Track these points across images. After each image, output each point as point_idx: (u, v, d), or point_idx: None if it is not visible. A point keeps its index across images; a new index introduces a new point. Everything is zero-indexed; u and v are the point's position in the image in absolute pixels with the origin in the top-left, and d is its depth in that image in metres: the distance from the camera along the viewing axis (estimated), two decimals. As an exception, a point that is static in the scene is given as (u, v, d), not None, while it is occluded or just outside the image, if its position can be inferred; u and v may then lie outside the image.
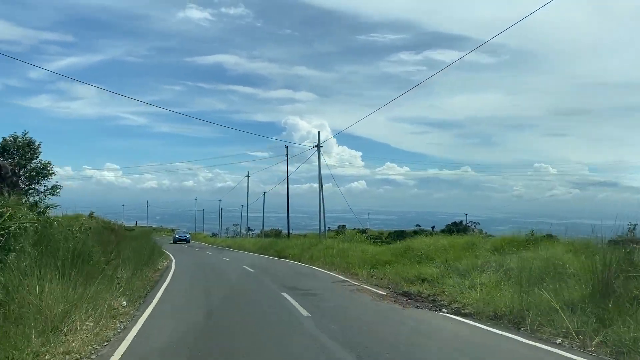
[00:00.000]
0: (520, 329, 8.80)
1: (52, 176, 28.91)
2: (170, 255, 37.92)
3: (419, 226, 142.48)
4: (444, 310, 11.06)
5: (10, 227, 9.13)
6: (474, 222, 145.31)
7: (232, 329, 9.01)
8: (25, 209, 11.65)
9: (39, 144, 28.29)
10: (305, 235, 43.46)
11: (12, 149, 27.39)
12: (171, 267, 23.93)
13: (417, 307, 11.55)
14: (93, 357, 7.09)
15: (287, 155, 44.16)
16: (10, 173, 16.44)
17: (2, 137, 27.51)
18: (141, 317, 9.94)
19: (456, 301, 11.61)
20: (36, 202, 18.06)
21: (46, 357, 6.75)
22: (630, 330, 7.20)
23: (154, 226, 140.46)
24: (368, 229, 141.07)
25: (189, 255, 36.16)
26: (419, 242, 20.47)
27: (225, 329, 9.16)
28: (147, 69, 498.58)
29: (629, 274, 8.70)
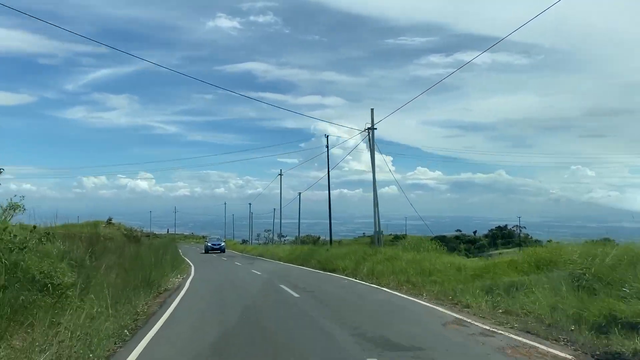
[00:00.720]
0: None
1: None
2: (192, 266, 31.73)
3: (460, 231, 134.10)
4: None
5: None
6: (519, 226, 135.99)
7: None
8: None
9: None
10: (355, 240, 36.50)
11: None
12: (184, 286, 17.53)
13: None
14: None
15: (327, 147, 37.53)
16: None
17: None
18: None
19: None
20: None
21: None
22: None
23: (185, 234, 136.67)
24: (405, 234, 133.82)
25: (212, 267, 29.79)
26: (547, 251, 13.37)
27: None
28: (179, 78, 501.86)
29: None
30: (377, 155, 27.54)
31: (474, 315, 10.53)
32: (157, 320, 10.18)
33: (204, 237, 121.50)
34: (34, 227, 11.73)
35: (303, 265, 29.25)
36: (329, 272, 23.41)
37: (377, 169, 28.06)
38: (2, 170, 11.62)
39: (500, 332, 8.75)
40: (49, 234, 12.07)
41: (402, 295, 14.08)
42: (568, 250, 12.32)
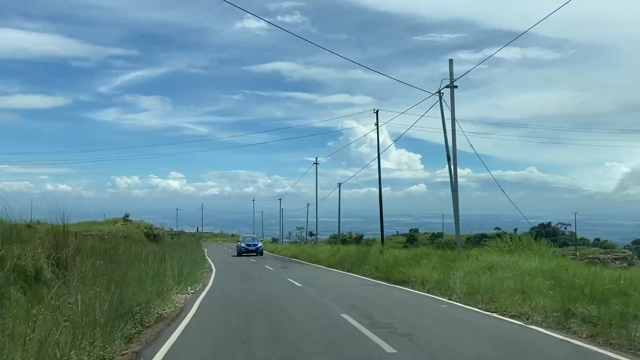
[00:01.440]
0: None
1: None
2: (212, 270, 25.65)
3: (499, 229, 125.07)
4: None
5: None
6: (564, 224, 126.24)
7: None
8: None
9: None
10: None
11: None
12: (189, 310, 11.26)
13: None
14: None
15: (377, 124, 30.84)
16: None
17: None
18: None
19: None
20: None
21: None
22: None
23: (215, 232, 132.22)
24: (442, 232, 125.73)
25: (237, 274, 23.57)
26: None
27: None
28: (208, 79, 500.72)
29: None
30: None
31: None
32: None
33: (233, 235, 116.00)
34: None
35: (352, 272, 22.72)
36: (398, 284, 16.78)
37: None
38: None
39: None
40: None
41: (568, 339, 7.41)
42: None
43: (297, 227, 79.76)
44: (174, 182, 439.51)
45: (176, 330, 8.92)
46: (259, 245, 42.57)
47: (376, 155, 30.79)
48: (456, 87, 19.98)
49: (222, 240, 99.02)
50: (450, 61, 20.15)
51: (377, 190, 30.41)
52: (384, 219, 30.84)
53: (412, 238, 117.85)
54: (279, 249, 53.24)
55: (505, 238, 18.20)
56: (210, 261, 34.65)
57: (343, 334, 8.47)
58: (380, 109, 30.16)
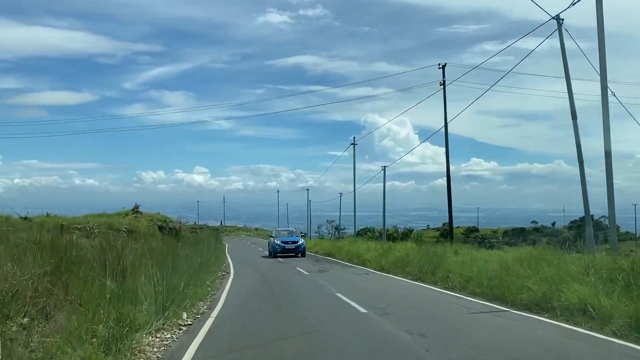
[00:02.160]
0: None
1: None
2: (229, 273, 19.58)
3: (536, 222, 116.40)
4: None
5: None
6: (605, 217, 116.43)
7: None
8: None
9: None
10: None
11: None
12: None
13: None
14: None
15: (444, 82, 24.04)
16: None
17: None
18: None
19: None
20: None
21: None
22: None
23: (238, 226, 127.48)
24: (477, 226, 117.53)
25: (258, 283, 17.34)
26: None
27: None
28: (231, 74, 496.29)
29: None
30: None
31: None
32: None
33: (256, 229, 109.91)
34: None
35: (422, 281, 16.19)
36: (508, 307, 10.14)
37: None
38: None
39: None
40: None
41: None
42: None
43: (327, 220, 72.62)
44: (198, 177, 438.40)
45: None
46: (300, 242, 32.01)
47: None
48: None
49: (246, 235, 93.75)
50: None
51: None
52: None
53: (445, 232, 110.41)
54: (309, 245, 46.71)
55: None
56: (229, 259, 28.64)
57: None
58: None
